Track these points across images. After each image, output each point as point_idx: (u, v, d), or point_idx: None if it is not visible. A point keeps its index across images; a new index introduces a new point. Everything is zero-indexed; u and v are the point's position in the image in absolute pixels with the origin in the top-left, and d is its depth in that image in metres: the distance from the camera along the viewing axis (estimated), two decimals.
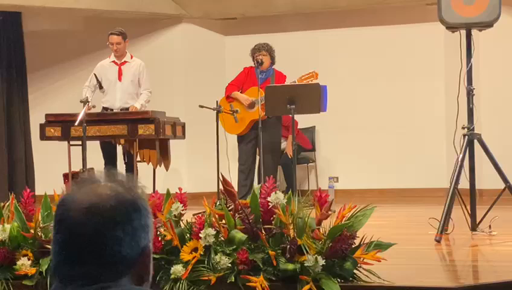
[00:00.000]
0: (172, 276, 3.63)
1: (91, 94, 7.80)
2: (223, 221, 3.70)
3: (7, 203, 4.17)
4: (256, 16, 9.86)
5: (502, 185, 5.34)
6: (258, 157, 7.69)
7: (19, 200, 4.14)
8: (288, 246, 3.54)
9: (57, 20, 10.01)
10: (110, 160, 8.00)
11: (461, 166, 5.30)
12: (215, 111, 7.21)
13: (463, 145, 5.37)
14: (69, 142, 7.68)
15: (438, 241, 4.99)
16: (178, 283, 3.61)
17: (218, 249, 3.64)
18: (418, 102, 9.48)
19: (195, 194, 6.95)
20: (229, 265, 3.58)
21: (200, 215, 3.78)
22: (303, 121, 9.00)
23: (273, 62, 7.76)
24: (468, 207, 5.38)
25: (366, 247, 3.56)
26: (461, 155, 5.32)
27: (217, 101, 7.32)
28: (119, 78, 8.06)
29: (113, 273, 1.40)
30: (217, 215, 3.72)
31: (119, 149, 8.06)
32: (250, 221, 3.62)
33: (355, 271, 3.56)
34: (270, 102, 6.94)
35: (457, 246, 5.09)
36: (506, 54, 9.03)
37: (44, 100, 9.92)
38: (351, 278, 3.55)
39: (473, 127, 5.43)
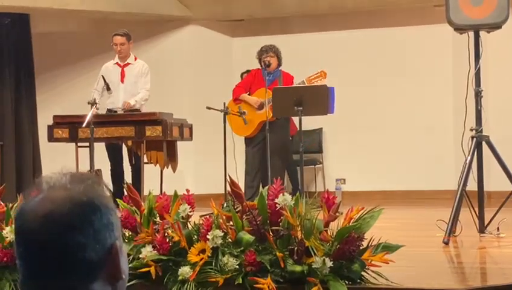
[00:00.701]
0: (179, 277, 3.63)
1: (99, 97, 7.83)
2: (231, 222, 3.70)
3: (15, 205, 4.18)
4: (264, 18, 9.86)
5: (510, 187, 5.31)
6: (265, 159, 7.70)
7: None
8: (296, 248, 3.54)
9: (65, 22, 10.04)
10: (116, 161, 8.02)
11: (469, 168, 5.28)
12: (223, 113, 7.22)
13: (471, 147, 5.35)
14: (76, 144, 7.69)
15: (446, 243, 4.98)
16: (186, 285, 3.61)
17: (226, 250, 3.63)
18: (425, 104, 9.46)
19: (202, 195, 6.93)
20: (237, 267, 3.58)
21: (207, 216, 3.78)
22: (310, 122, 8.99)
23: (280, 63, 7.76)
24: (476, 209, 5.36)
25: (373, 249, 3.55)
26: (469, 157, 5.30)
27: (224, 103, 7.32)
28: (122, 80, 8.07)
29: (81, 281, 1.33)
30: (224, 217, 3.72)
31: (125, 150, 8.06)
32: (258, 223, 3.61)
33: (363, 273, 3.56)
34: (277, 104, 6.94)
35: (466, 248, 5.08)
36: None
37: (52, 102, 9.93)
38: (358, 280, 3.55)
39: (481, 129, 5.41)
